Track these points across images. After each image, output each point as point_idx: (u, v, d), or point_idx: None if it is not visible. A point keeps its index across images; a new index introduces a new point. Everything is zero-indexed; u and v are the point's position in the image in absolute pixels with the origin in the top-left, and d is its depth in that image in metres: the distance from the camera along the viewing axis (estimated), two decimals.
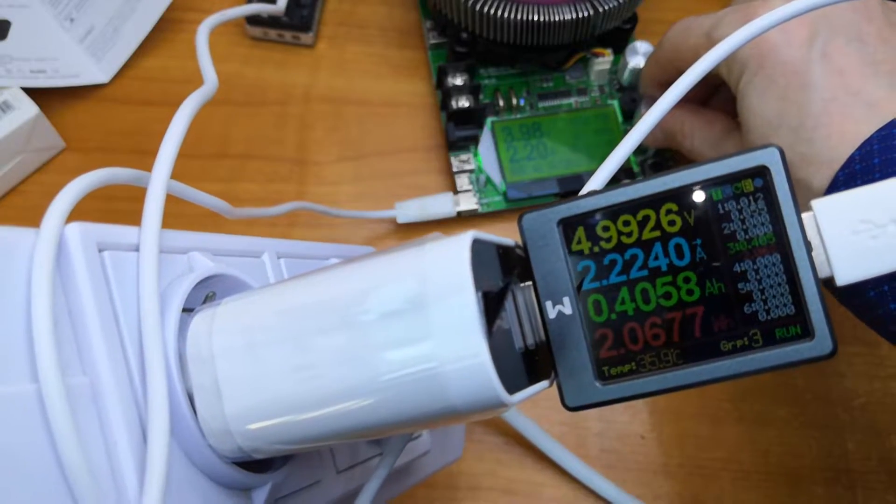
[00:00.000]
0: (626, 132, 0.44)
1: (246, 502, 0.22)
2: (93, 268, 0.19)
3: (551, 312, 0.20)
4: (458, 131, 0.43)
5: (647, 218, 0.20)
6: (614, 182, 0.21)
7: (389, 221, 0.43)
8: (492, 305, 0.18)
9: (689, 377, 0.19)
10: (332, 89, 0.46)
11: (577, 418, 0.40)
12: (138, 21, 0.46)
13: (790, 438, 0.40)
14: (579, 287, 0.20)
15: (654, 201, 0.20)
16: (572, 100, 0.45)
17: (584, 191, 0.21)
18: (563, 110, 0.45)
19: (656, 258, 0.20)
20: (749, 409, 0.40)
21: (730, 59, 0.32)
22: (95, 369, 0.19)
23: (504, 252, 0.20)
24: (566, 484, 0.39)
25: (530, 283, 0.20)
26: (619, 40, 0.45)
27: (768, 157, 0.19)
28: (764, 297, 0.19)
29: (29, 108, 0.41)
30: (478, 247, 0.18)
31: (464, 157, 0.43)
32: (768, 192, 0.19)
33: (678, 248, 0.19)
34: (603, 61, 0.45)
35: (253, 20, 0.45)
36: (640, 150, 0.44)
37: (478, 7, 0.40)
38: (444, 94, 0.43)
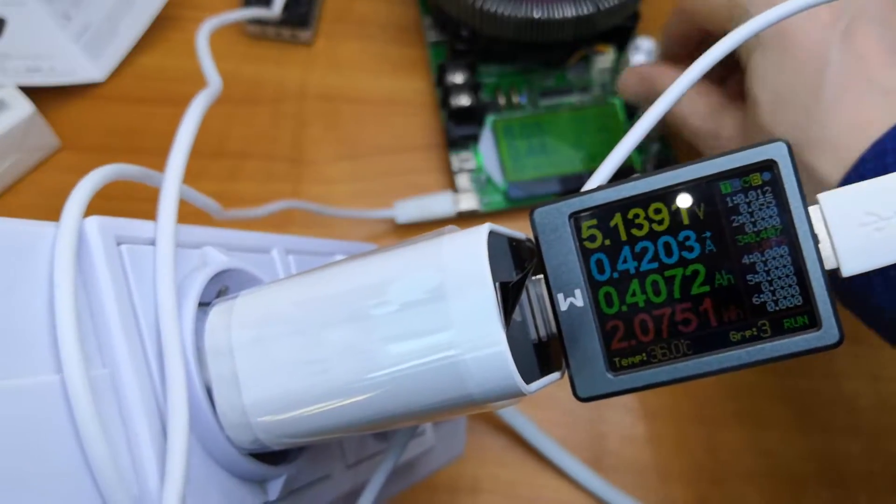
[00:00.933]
0: (628, 130, 0.44)
1: (261, 494, 0.22)
2: (112, 261, 0.19)
3: (563, 304, 0.20)
4: (459, 129, 0.43)
5: (657, 211, 0.20)
6: (619, 174, 0.22)
7: (388, 221, 0.43)
8: (507, 297, 0.18)
9: (700, 367, 0.20)
10: (330, 87, 0.46)
11: (579, 420, 0.40)
12: (134, 19, 0.45)
13: (793, 440, 0.40)
14: (591, 279, 0.20)
15: (665, 195, 0.20)
16: (574, 97, 0.45)
17: (591, 181, 0.21)
18: (564, 108, 0.45)
19: (666, 251, 0.20)
20: (752, 411, 0.40)
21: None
22: (115, 361, 0.19)
23: (516, 245, 0.20)
24: (567, 486, 0.39)
25: (541, 276, 0.21)
26: (621, 37, 0.45)
27: (776, 152, 0.19)
28: (772, 289, 0.19)
29: (24, 107, 0.41)
30: (492, 239, 0.18)
31: (464, 155, 0.43)
32: (776, 185, 0.19)
33: (688, 240, 0.20)
34: (605, 59, 0.45)
35: (246, 20, 0.45)
36: (642, 148, 0.44)
37: (478, 4, 0.40)
38: (445, 91, 0.43)
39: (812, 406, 0.41)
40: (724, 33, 0.21)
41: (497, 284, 0.18)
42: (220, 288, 0.23)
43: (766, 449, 0.40)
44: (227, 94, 0.45)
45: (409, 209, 0.42)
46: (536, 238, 0.21)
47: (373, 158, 0.45)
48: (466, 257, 0.18)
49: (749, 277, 0.19)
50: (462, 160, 0.43)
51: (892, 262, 0.19)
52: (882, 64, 0.29)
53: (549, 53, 0.44)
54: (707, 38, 0.37)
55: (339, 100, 0.46)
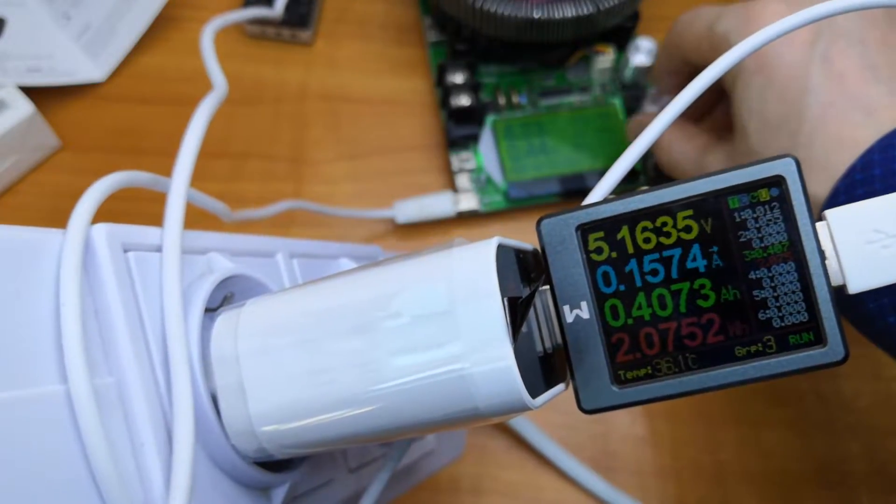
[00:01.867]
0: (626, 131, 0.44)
1: (265, 501, 0.22)
2: (119, 268, 0.19)
3: (569, 316, 0.20)
4: (459, 130, 0.43)
5: (664, 225, 0.20)
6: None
7: (388, 221, 0.43)
8: (515, 310, 0.18)
9: (704, 381, 0.20)
10: (330, 87, 0.46)
11: (578, 421, 0.40)
12: (134, 19, 0.45)
13: (792, 440, 0.40)
14: (597, 292, 0.20)
15: (672, 209, 0.20)
16: (574, 98, 0.45)
17: (587, 200, 0.21)
18: (564, 108, 0.45)
19: (673, 264, 0.20)
20: (751, 410, 0.41)
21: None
22: (121, 370, 0.19)
23: (523, 256, 0.20)
24: (567, 487, 0.39)
25: (548, 287, 0.21)
26: (621, 38, 0.45)
27: (784, 167, 0.19)
28: (778, 305, 0.19)
29: (24, 107, 0.41)
30: (500, 252, 0.18)
31: (464, 155, 0.43)
32: (784, 201, 0.19)
33: (695, 255, 0.20)
34: (605, 59, 0.45)
35: (249, 20, 0.45)
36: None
37: (478, 4, 0.40)
38: (444, 91, 0.43)
39: (812, 406, 0.41)
40: (707, 65, 0.22)
41: (505, 300, 0.18)
42: (226, 294, 0.23)
43: (766, 449, 0.40)
44: (228, 94, 0.45)
45: (408, 209, 0.42)
46: (543, 249, 0.21)
47: (373, 158, 0.45)
48: (475, 272, 0.18)
49: (755, 293, 0.20)
50: (462, 160, 0.43)
51: None
52: (862, 82, 0.30)
53: (549, 54, 0.44)
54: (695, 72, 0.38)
55: (340, 100, 0.46)
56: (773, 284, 0.19)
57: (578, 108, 0.45)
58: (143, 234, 0.20)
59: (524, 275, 0.20)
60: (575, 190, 0.43)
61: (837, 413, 0.41)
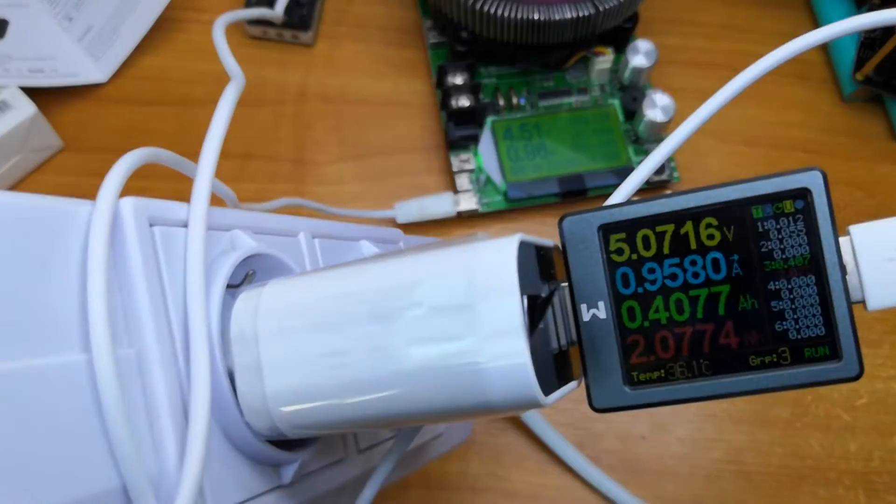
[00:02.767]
0: (626, 132, 0.44)
1: (275, 478, 0.22)
2: (144, 242, 0.19)
3: (585, 315, 0.21)
4: (458, 131, 0.43)
5: (686, 230, 0.20)
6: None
7: (389, 221, 0.44)
8: (533, 306, 0.18)
9: (717, 388, 0.20)
10: (331, 88, 0.46)
11: (579, 419, 0.40)
12: (137, 20, 0.45)
13: (792, 439, 0.40)
14: (615, 292, 0.20)
15: (695, 214, 0.20)
16: (573, 99, 0.45)
17: (610, 200, 0.22)
18: (563, 110, 0.45)
19: (693, 270, 0.20)
20: (750, 409, 0.41)
21: None
22: (142, 342, 0.19)
23: (544, 253, 0.20)
24: (567, 485, 0.40)
25: (566, 284, 0.21)
26: (620, 39, 0.45)
27: (811, 180, 0.19)
28: (795, 317, 0.19)
29: (27, 108, 0.41)
30: (522, 248, 0.18)
31: (464, 156, 0.43)
32: (808, 213, 0.19)
33: (715, 262, 0.20)
34: (604, 60, 0.45)
35: (252, 19, 0.45)
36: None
37: (478, 6, 0.40)
38: (444, 93, 0.43)
39: (810, 405, 0.41)
40: None
41: (525, 297, 0.18)
42: (248, 271, 0.23)
43: (764, 448, 0.40)
44: None
45: (409, 210, 0.43)
46: (564, 247, 0.21)
47: (373, 159, 0.45)
48: (496, 267, 0.18)
49: (773, 304, 0.20)
50: (462, 161, 0.43)
51: None
52: None
53: (548, 55, 0.44)
54: None
55: (340, 101, 0.46)
56: (791, 296, 0.19)
57: (577, 109, 0.45)
58: (169, 208, 0.21)
59: (544, 271, 0.20)
60: (574, 191, 0.43)
61: (837, 412, 0.41)
